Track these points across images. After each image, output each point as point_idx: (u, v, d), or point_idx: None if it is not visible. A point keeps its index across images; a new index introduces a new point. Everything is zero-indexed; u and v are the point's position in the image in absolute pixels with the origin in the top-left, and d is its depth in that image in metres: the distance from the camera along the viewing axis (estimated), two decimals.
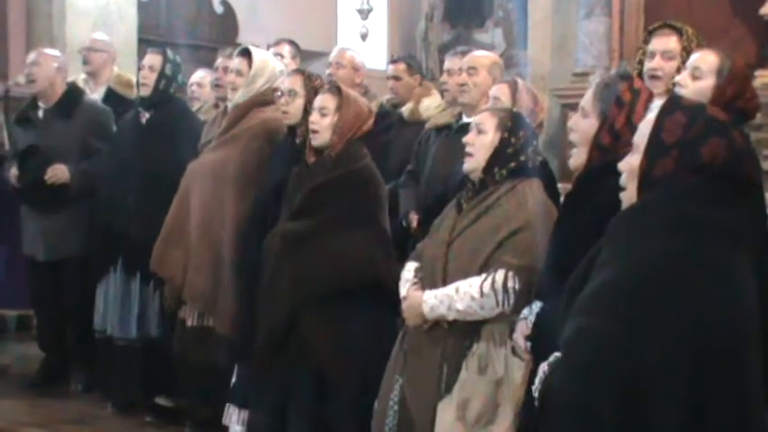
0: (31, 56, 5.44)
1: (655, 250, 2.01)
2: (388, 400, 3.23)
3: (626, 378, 1.93)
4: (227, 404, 4.12)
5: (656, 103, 2.20)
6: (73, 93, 5.41)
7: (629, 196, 2.17)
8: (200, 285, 4.36)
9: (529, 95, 3.74)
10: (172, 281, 4.49)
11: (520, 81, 3.84)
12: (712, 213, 2.04)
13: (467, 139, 3.21)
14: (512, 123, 3.17)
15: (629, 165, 2.17)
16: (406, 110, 5.14)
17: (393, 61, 5.52)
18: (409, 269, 3.32)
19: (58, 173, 5.19)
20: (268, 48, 5.47)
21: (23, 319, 6.53)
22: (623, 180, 2.20)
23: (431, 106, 5.02)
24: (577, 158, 2.72)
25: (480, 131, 3.17)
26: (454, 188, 3.48)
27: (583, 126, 2.72)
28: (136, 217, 4.76)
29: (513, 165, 3.12)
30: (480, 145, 3.15)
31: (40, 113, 5.38)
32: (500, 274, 2.99)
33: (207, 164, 4.47)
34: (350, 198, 3.80)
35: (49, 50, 5.53)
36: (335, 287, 3.72)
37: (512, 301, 2.98)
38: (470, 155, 3.17)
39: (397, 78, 5.29)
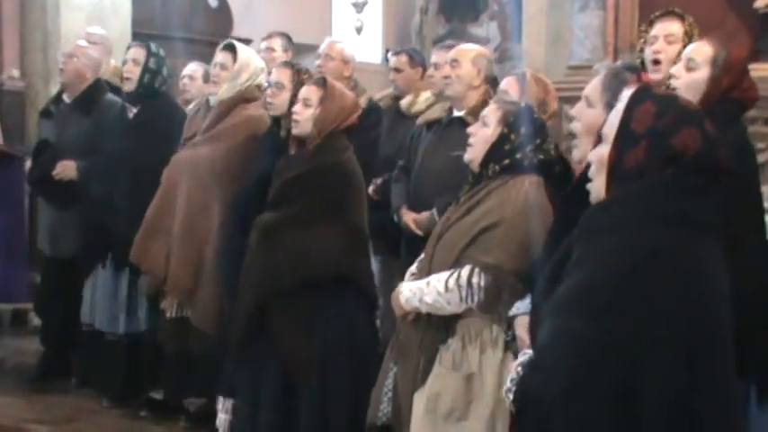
0: (69, 47, 5.40)
1: (628, 247, 1.96)
2: (384, 387, 3.24)
3: (615, 379, 1.89)
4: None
5: (626, 93, 2.11)
6: (95, 89, 5.31)
7: (597, 188, 2.11)
8: (182, 279, 4.38)
9: (539, 86, 3.67)
10: (153, 273, 4.50)
11: (528, 72, 3.76)
12: (684, 206, 1.99)
13: (471, 129, 3.19)
14: (514, 119, 3.11)
15: (599, 155, 2.11)
16: (404, 102, 5.04)
17: (395, 53, 5.37)
18: (417, 260, 3.31)
19: (66, 169, 5.14)
20: (262, 42, 5.43)
21: (18, 313, 6.51)
22: (592, 171, 2.14)
23: (420, 100, 4.96)
24: (581, 151, 2.66)
25: (484, 124, 3.14)
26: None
27: (588, 116, 2.66)
28: (125, 212, 4.74)
29: (507, 162, 3.07)
30: (480, 137, 3.12)
31: (62, 107, 5.35)
32: (465, 270, 2.96)
33: (191, 159, 4.47)
34: (320, 192, 3.77)
35: (85, 45, 5.46)
36: (298, 281, 3.72)
37: (476, 297, 2.94)
38: (471, 145, 3.15)
39: (398, 70, 5.17)
